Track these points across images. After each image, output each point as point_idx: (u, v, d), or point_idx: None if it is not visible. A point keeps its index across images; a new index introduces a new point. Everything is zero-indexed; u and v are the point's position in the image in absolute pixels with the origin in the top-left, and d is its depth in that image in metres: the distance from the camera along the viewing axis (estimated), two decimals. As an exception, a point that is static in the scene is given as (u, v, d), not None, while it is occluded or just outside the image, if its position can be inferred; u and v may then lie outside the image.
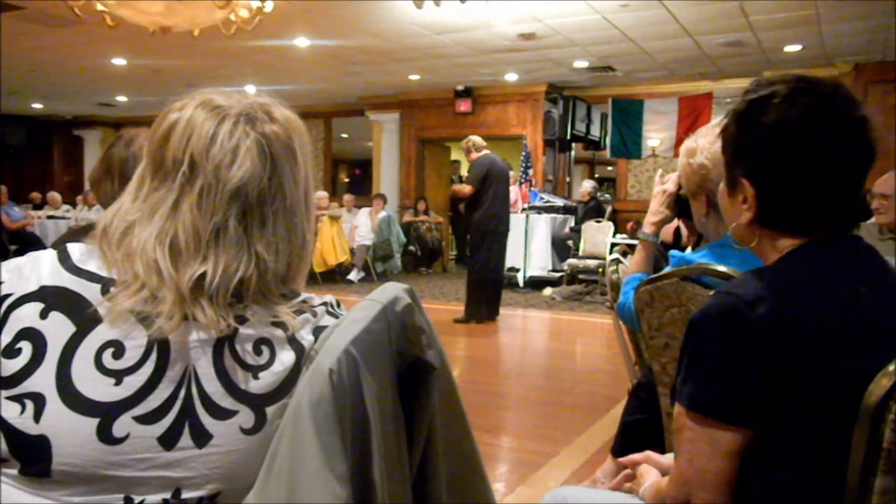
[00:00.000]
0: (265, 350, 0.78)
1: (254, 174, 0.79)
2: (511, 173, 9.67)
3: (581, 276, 8.47)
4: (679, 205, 1.79)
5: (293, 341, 0.79)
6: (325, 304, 0.85)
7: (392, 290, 0.79)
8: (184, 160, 0.78)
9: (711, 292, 1.44)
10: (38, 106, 13.04)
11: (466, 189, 6.15)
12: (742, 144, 1.04)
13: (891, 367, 0.71)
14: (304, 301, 0.83)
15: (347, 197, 10.71)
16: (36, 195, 12.12)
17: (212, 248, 0.77)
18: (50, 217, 10.39)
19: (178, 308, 0.74)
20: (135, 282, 0.75)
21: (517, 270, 8.70)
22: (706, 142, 1.54)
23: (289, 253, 0.83)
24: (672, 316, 1.49)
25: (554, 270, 8.75)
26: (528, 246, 8.70)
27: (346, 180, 15.65)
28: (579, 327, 6.50)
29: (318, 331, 0.81)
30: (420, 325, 0.79)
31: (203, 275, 0.75)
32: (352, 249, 9.33)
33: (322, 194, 9.72)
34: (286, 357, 0.78)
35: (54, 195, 11.43)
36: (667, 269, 1.55)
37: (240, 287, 0.77)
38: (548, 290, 8.23)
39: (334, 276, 9.04)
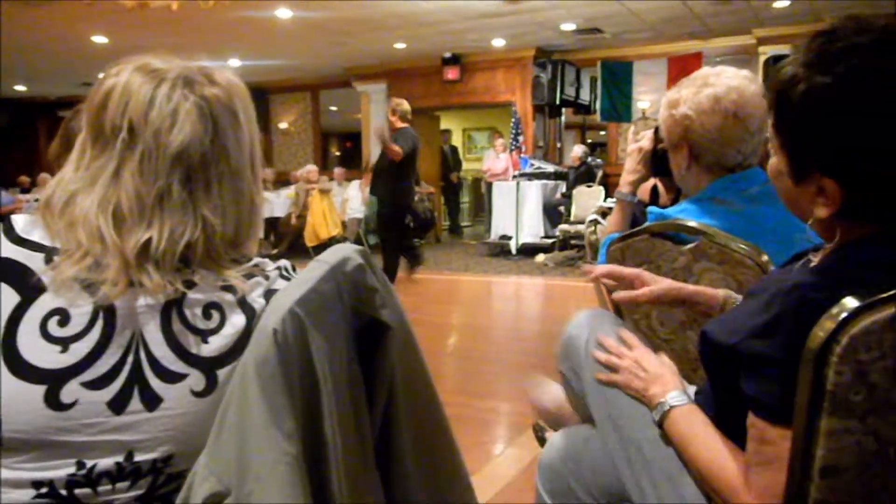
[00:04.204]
0: (215, 314, 0.78)
1: (194, 137, 0.78)
2: (500, 140, 9.69)
3: (573, 242, 8.46)
4: (655, 162, 1.76)
5: (244, 304, 0.79)
6: (278, 268, 0.85)
7: (342, 251, 0.78)
8: (122, 126, 0.77)
9: (684, 247, 1.46)
10: (21, 88, 12.87)
11: (397, 149, 5.67)
12: (825, 133, 0.76)
13: (833, 310, 0.71)
14: (255, 265, 0.83)
15: (338, 170, 10.63)
16: (24, 179, 12.00)
17: (156, 214, 0.77)
18: (38, 200, 10.28)
19: (123, 274, 0.74)
20: (78, 250, 0.75)
21: (509, 238, 8.70)
22: (689, 92, 1.50)
23: (236, 216, 0.82)
24: (643, 273, 1.49)
25: (546, 237, 8.74)
26: (520, 213, 8.68)
27: (338, 153, 15.55)
28: (572, 292, 6.52)
29: (269, 294, 0.81)
30: (372, 284, 0.79)
31: (149, 240, 0.75)
32: (343, 223, 9.31)
33: (311, 168, 9.68)
34: (237, 320, 0.79)
35: (45, 176, 11.29)
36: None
37: (187, 252, 0.77)
38: (540, 257, 8.24)
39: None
